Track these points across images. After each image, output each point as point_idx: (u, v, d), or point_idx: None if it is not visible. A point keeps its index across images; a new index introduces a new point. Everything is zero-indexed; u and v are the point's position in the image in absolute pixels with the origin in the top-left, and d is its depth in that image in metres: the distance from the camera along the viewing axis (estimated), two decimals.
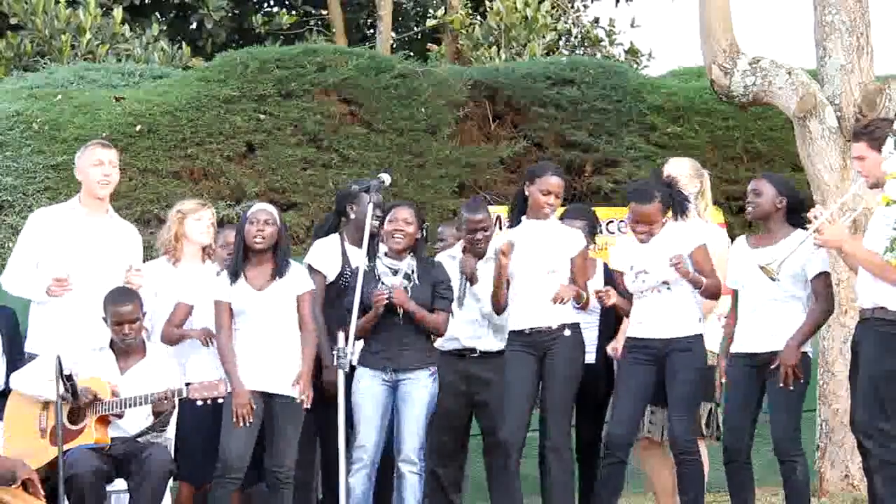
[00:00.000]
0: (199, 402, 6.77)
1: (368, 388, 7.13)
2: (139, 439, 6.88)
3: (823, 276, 6.91)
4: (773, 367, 6.79)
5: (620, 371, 7.17)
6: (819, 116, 9.18)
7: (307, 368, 7.07)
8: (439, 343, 7.52)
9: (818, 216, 6.56)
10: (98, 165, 7.39)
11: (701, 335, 7.08)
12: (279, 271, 7.12)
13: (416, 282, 7.23)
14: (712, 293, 7.09)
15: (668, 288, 7.04)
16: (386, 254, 7.27)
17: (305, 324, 7.12)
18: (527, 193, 7.31)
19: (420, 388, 7.19)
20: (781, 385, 6.75)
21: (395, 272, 7.20)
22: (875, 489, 6.55)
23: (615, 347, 7.44)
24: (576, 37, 19.42)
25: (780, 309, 6.89)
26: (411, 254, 7.27)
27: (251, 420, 6.97)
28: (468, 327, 7.52)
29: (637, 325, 7.10)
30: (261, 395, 7.00)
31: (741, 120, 12.61)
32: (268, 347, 7.03)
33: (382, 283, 7.16)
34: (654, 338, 7.03)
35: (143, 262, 7.80)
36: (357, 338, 6.90)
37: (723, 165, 12.69)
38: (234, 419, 6.93)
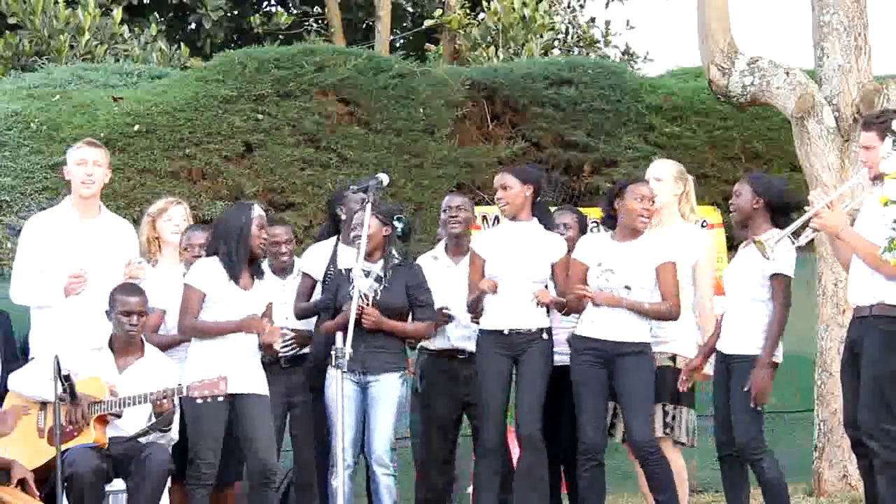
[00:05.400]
0: (199, 401, 6.75)
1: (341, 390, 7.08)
2: (141, 439, 6.87)
3: (782, 278, 6.85)
4: (745, 389, 6.79)
5: (575, 374, 7.10)
6: (817, 116, 9.19)
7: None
8: (427, 342, 7.52)
9: (818, 200, 6.48)
10: (80, 165, 7.30)
11: (649, 344, 7.09)
12: (259, 272, 7.12)
13: (388, 284, 7.25)
14: (664, 318, 7.08)
15: (629, 290, 7.01)
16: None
17: None
18: None
19: (390, 390, 7.23)
20: (753, 405, 6.79)
21: (367, 274, 7.18)
22: (878, 491, 6.47)
23: None
24: (572, 37, 19.40)
25: (743, 311, 6.90)
26: (383, 257, 7.28)
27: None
28: (459, 328, 7.52)
29: (589, 324, 7.08)
30: (225, 398, 6.89)
31: (739, 120, 12.59)
32: (236, 348, 7.01)
33: (353, 287, 7.03)
34: (606, 339, 7.02)
35: None
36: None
37: (721, 165, 12.68)
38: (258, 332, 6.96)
